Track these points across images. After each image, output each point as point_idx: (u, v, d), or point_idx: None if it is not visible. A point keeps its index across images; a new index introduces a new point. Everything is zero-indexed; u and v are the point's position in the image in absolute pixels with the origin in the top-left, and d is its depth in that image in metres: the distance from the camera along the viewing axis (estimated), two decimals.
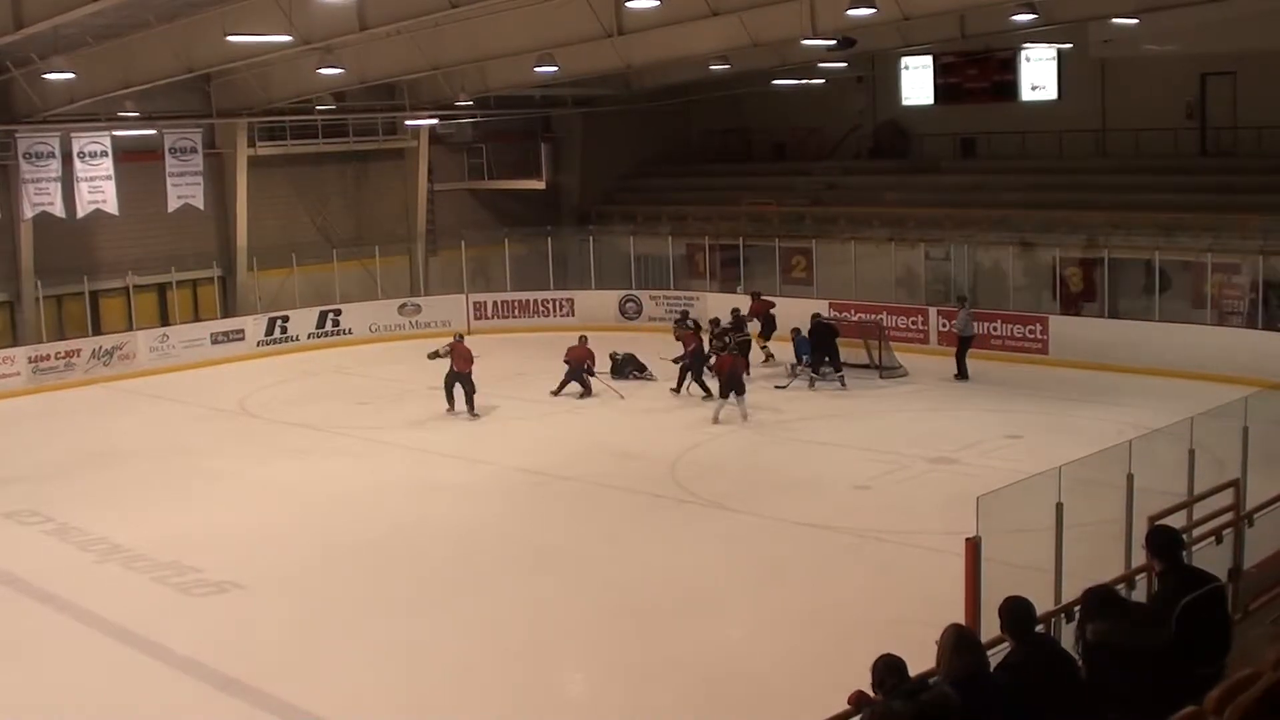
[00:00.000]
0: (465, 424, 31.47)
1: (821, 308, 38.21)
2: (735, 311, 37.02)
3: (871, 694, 8.77)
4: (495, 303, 45.51)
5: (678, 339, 34.47)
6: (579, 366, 33.69)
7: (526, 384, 35.11)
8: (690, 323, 36.24)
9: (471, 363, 31.78)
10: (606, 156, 52.05)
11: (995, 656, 9.44)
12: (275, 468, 28.00)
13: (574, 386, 33.66)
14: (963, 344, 35.04)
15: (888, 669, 8.68)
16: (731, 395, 30.46)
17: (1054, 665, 9.17)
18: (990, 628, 10.12)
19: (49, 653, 18.06)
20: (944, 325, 36.84)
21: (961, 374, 34.59)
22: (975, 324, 35.75)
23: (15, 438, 31.98)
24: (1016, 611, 9.30)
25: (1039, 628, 10.06)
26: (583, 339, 34.61)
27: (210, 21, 29.07)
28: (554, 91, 47.55)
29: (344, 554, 21.99)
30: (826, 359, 33.93)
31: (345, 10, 26.02)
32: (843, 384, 33.71)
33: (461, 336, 33.78)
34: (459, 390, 31.65)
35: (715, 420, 30.37)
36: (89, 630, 18.91)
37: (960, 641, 8.88)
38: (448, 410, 31.73)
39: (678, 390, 33.42)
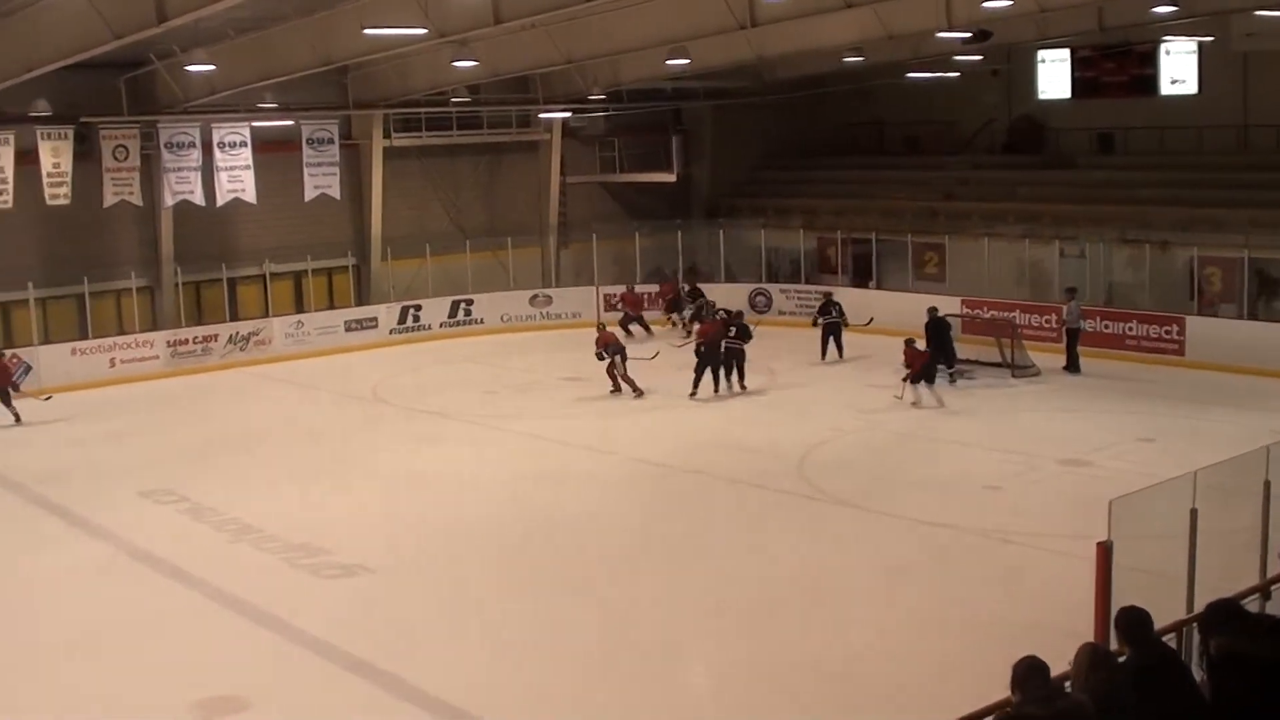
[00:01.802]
0: (591, 414, 31.72)
1: (954, 304, 37.96)
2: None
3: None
4: (625, 295, 45.53)
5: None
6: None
7: (652, 376, 35.15)
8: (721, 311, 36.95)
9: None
10: (737, 149, 52.05)
11: None
12: (405, 453, 28.24)
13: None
14: (1072, 336, 34.79)
15: (1031, 671, 8.55)
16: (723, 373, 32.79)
17: (1169, 676, 9.03)
18: None
19: (181, 629, 18.34)
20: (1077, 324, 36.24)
21: (1071, 366, 34.42)
22: (1098, 320, 35.68)
23: (153, 419, 32.57)
24: (1133, 620, 9.16)
25: (1167, 636, 9.92)
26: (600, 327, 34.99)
27: (348, 15, 29.35)
28: (685, 84, 47.49)
29: (471, 540, 22.15)
30: (943, 358, 33.23)
31: (480, 4, 26.14)
32: (951, 380, 33.24)
33: (603, 326, 34.32)
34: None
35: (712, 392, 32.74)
36: (220, 608, 19.18)
37: (1096, 659, 8.76)
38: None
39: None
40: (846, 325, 36.99)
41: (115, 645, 17.81)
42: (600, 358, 32.92)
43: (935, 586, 19.37)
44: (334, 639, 17.71)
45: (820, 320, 36.93)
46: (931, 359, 31.79)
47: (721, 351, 32.62)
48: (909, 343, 31.93)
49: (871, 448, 28.22)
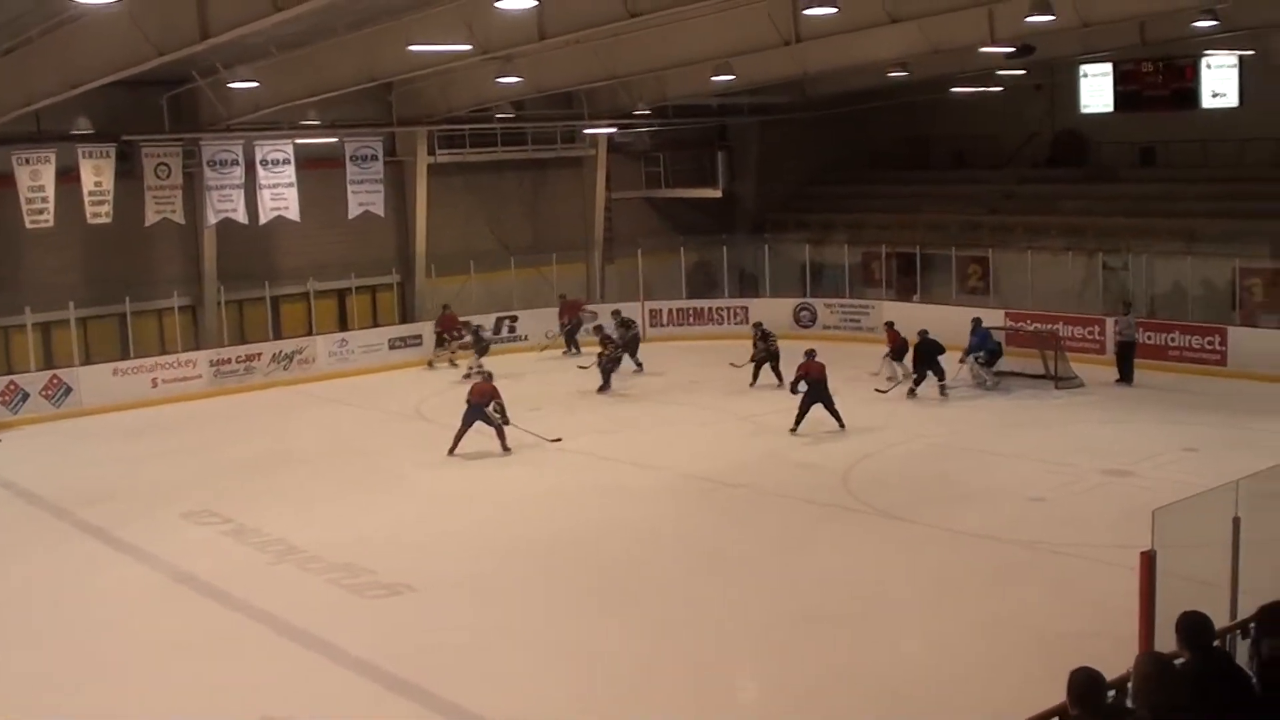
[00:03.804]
0: (638, 429, 31.75)
1: (998, 317, 38.04)
2: (617, 313, 40.68)
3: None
4: (671, 310, 45.69)
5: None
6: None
7: (700, 391, 35.28)
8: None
9: None
10: (782, 165, 52.02)
11: None
12: (449, 471, 28.28)
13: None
14: (1126, 348, 34.83)
15: (1089, 684, 8.48)
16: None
17: (1229, 680, 9.03)
18: (1164, 643, 10.02)
19: (223, 651, 18.32)
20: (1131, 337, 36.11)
21: (1126, 378, 34.59)
22: (1141, 332, 35.71)
23: (195, 439, 32.59)
24: (1195, 625, 9.16)
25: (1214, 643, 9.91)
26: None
27: (392, 31, 29.44)
28: (731, 100, 47.55)
29: (517, 557, 22.13)
30: (930, 373, 33.55)
31: (525, 20, 26.20)
32: (942, 393, 33.61)
33: (489, 375, 31.64)
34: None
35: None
36: (263, 629, 19.20)
37: (1165, 674, 8.73)
38: None
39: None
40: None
41: (160, 669, 17.82)
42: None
43: (983, 598, 19.35)
44: (379, 659, 17.70)
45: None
46: (922, 368, 33.29)
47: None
48: (889, 325, 35.12)
49: (915, 460, 28.19)
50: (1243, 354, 35.07)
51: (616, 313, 40.56)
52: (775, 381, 34.96)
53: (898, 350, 34.89)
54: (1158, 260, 39.48)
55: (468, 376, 36.78)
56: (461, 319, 41.60)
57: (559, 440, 29.86)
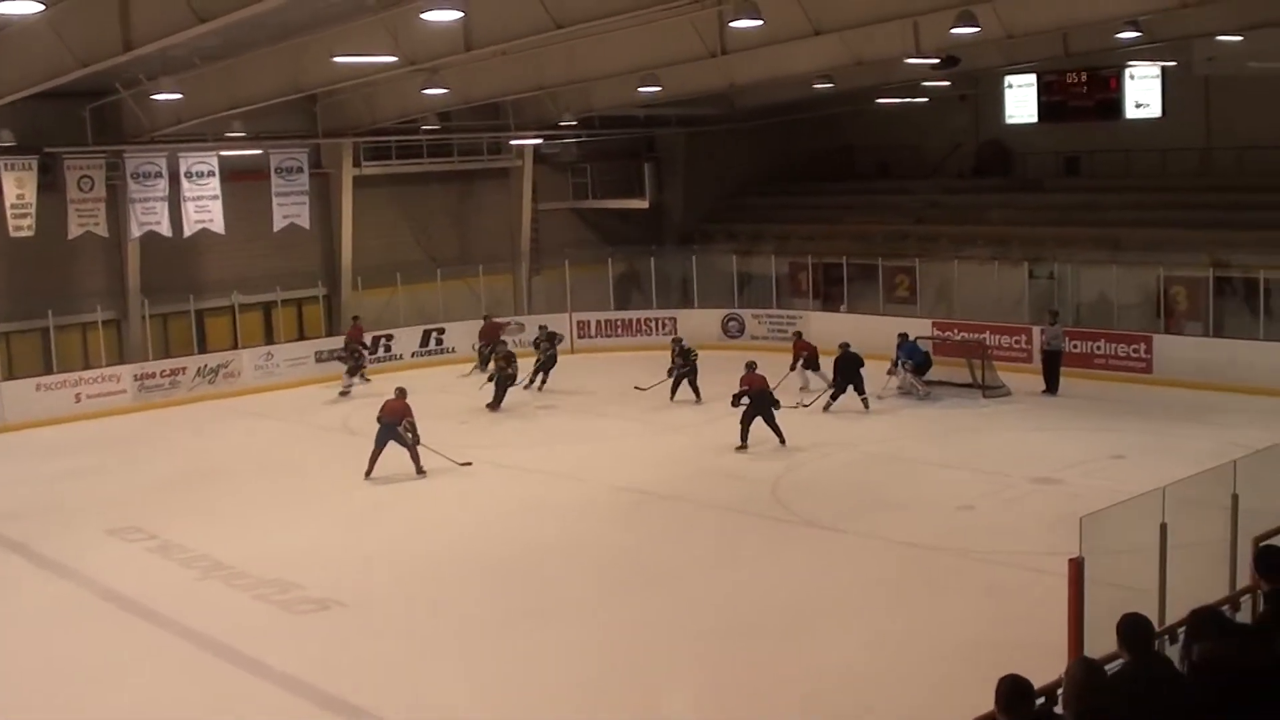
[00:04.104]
0: (566, 442, 31.68)
1: (925, 326, 38.25)
2: (543, 328, 40.26)
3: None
4: (598, 321, 45.64)
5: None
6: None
7: (629, 403, 35.28)
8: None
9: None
10: (709, 175, 52.10)
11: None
12: (377, 486, 28.06)
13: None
14: (1053, 358, 35.04)
15: (1016, 691, 8.49)
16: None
17: (1167, 684, 9.03)
18: (1093, 649, 10.05)
19: (151, 670, 18.16)
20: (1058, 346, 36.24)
21: (1051, 387, 34.75)
22: (1068, 341, 36.02)
23: (120, 454, 32.33)
24: (1135, 626, 9.18)
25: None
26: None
27: (317, 43, 29.32)
28: (658, 111, 47.55)
29: (445, 572, 22.08)
30: (851, 388, 33.23)
31: (451, 31, 26.13)
32: (865, 407, 33.34)
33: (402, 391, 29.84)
34: None
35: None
36: (191, 647, 19.01)
37: (1096, 679, 8.74)
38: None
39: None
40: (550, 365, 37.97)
41: (85, 687, 17.66)
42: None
43: (913, 606, 19.43)
44: (310, 675, 17.60)
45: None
46: (842, 381, 33.14)
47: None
48: (797, 335, 35.94)
49: (844, 470, 28.28)
50: (1168, 362, 35.42)
51: (543, 328, 40.36)
52: (694, 398, 34.96)
53: (809, 360, 34.96)
54: (1083, 269, 39.74)
55: (344, 394, 37.07)
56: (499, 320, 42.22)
57: (469, 464, 29.02)
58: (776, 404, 30.15)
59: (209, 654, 18.72)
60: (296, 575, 21.72)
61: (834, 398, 33.36)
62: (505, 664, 17.76)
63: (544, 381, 38.16)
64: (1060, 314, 36.38)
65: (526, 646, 18.34)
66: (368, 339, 40.93)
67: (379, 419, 28.50)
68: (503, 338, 39.23)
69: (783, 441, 29.68)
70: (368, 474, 28.17)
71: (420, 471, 28.34)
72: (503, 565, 22.32)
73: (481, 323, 41.98)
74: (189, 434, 34.61)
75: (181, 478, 29.59)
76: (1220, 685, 8.79)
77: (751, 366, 30.71)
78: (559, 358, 38.77)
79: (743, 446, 29.60)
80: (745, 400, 29.97)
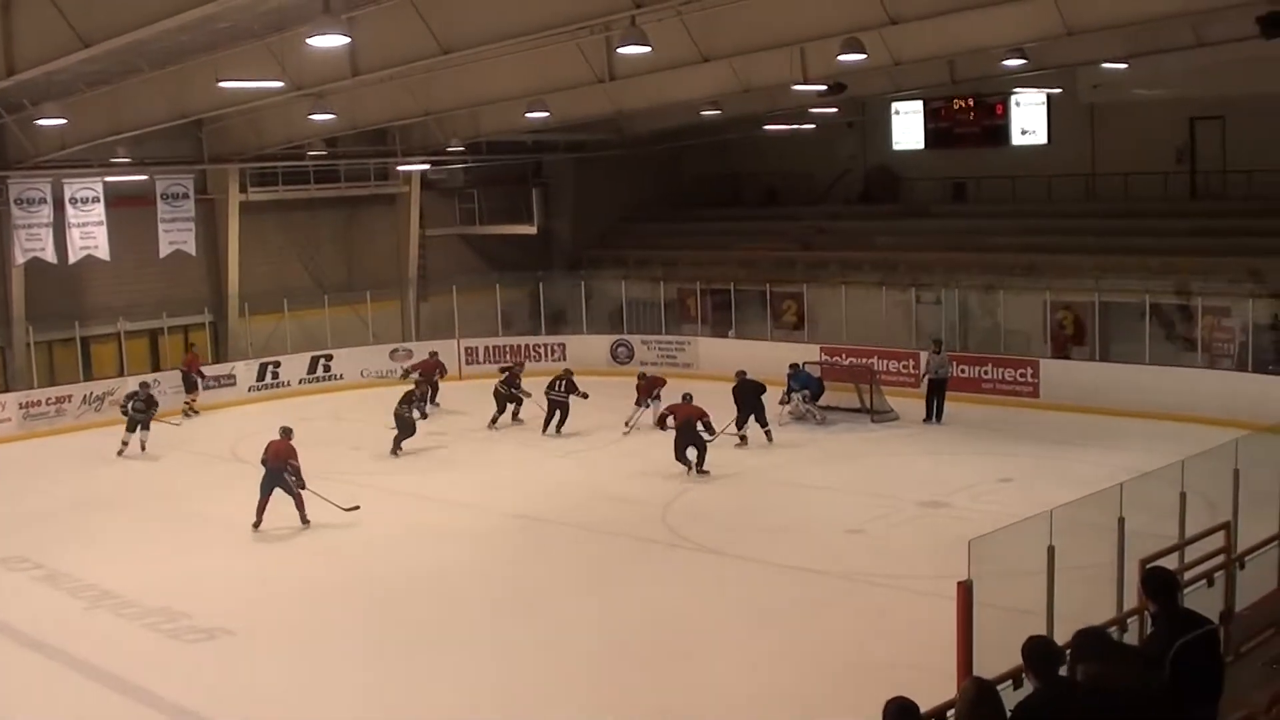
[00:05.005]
0: (457, 470, 31.56)
1: (813, 352, 38.45)
2: (434, 353, 40.98)
3: None
4: (487, 348, 45.50)
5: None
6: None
7: (520, 429, 35.23)
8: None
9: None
10: (598, 202, 52.13)
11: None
12: (267, 513, 27.80)
13: None
14: (937, 386, 35.20)
15: (902, 713, 8.57)
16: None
17: (1075, 706, 9.06)
18: (982, 671, 10.10)
19: (38, 702, 17.95)
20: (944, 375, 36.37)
21: (932, 417, 34.86)
22: (955, 365, 36.41)
23: (5, 484, 31.81)
24: (1040, 649, 9.19)
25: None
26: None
27: (202, 68, 29.07)
28: (546, 137, 47.63)
29: (334, 600, 21.94)
30: (753, 417, 32.84)
31: (337, 57, 25.98)
32: (770, 438, 32.78)
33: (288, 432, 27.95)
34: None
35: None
36: (79, 678, 18.80)
37: (982, 696, 8.79)
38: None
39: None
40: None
41: None
42: None
43: (800, 630, 19.53)
44: (195, 705, 17.48)
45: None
46: (743, 410, 32.66)
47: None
48: (641, 375, 35.83)
49: (734, 494, 28.42)
50: (1054, 386, 35.82)
51: (433, 353, 40.26)
52: (553, 432, 34.81)
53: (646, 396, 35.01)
54: (970, 294, 40.11)
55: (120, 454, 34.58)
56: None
57: (356, 508, 26.86)
58: (711, 431, 30.35)
59: (97, 684, 18.51)
60: (185, 604, 21.50)
61: (740, 425, 32.78)
62: (393, 691, 17.69)
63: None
64: (944, 342, 36.54)
65: (409, 674, 18.28)
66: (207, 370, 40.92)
67: (263, 461, 26.83)
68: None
69: (702, 471, 29.63)
70: (256, 525, 26.35)
71: (305, 521, 26.53)
72: (389, 592, 22.25)
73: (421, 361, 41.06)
74: (76, 462, 34.12)
75: (69, 506, 29.21)
76: (1106, 707, 8.87)
77: (687, 399, 30.75)
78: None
79: (700, 469, 29.70)
80: (671, 423, 30.18)
